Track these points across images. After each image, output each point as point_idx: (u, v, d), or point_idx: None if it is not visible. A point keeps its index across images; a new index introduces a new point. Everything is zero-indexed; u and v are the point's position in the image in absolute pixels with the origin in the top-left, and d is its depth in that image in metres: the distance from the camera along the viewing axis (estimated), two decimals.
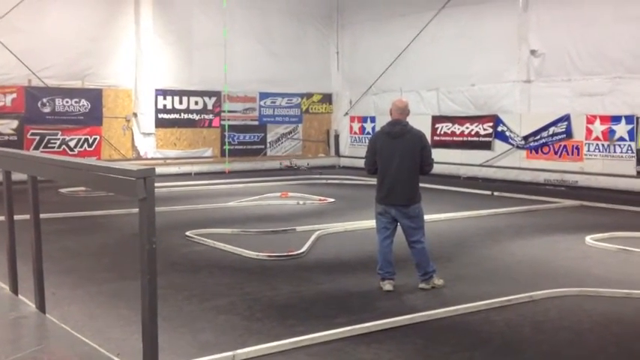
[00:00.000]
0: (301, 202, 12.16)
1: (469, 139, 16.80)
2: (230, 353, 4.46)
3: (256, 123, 19.63)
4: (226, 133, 18.73)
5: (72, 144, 16.62)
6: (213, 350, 4.54)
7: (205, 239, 8.45)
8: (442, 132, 17.40)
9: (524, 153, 15.58)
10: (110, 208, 10.74)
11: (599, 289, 6.13)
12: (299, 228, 9.31)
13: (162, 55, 17.86)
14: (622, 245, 8.04)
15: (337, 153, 20.76)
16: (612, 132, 13.75)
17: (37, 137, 16.10)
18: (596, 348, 4.72)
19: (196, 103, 18.54)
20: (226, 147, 18.61)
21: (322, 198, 12.51)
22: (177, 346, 4.66)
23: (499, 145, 16.10)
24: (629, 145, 13.48)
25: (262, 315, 5.46)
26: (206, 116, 18.71)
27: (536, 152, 15.31)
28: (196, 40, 18.28)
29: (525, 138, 15.48)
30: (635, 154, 13.39)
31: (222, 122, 18.77)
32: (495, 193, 13.34)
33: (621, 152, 13.64)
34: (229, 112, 18.84)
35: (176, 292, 6.08)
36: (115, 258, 7.64)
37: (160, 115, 18.00)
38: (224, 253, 7.81)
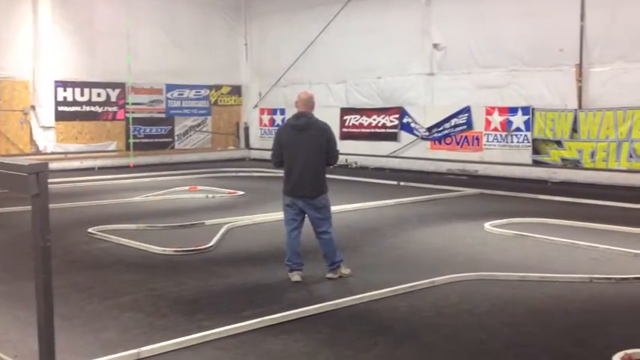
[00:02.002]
0: (210, 196, 12.04)
1: (376, 130, 17.14)
2: (134, 351, 4.37)
3: (163, 115, 19.24)
4: (131, 126, 18.25)
5: None
6: (116, 349, 4.43)
7: (109, 235, 8.22)
8: (350, 124, 17.66)
9: (428, 144, 16.07)
10: (5, 206, 10.24)
11: (496, 273, 6.42)
12: (207, 222, 9.22)
13: (61, 45, 17.18)
14: (518, 231, 8.44)
15: (247, 145, 20.67)
16: (509, 123, 14.41)
17: None
18: (492, 330, 4.94)
19: (99, 95, 17.95)
20: (131, 140, 18.14)
21: (231, 191, 12.44)
22: (77, 346, 4.52)
23: (405, 137, 16.53)
24: (526, 135, 14.17)
25: (168, 311, 5.39)
26: (110, 108, 18.16)
27: (440, 143, 15.83)
28: (98, 30, 17.69)
29: (429, 129, 15.96)
30: (530, 144, 14.08)
31: (127, 115, 18.27)
32: (401, 183, 13.68)
33: (518, 142, 14.32)
34: (134, 104, 18.37)
35: (77, 291, 5.90)
36: (9, 257, 7.29)
37: (60, 108, 17.32)
38: (129, 250, 7.63)
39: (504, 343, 4.68)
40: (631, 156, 12.62)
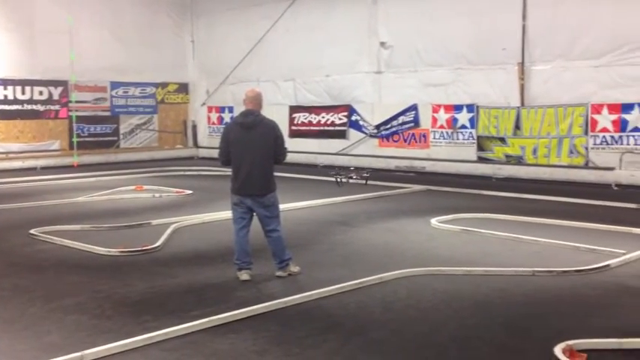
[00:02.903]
0: (157, 195, 11.87)
1: (325, 128, 17.20)
2: (78, 354, 4.28)
3: (108, 114, 18.87)
4: (75, 125, 17.84)
5: None
6: (59, 352, 4.32)
7: (52, 237, 8.01)
8: (299, 122, 17.67)
9: (376, 141, 16.21)
10: None
11: (442, 268, 6.53)
12: (154, 222, 9.09)
13: (2, 43, 16.72)
14: (464, 226, 8.60)
15: (195, 144, 20.45)
16: (455, 120, 14.67)
17: None
18: (438, 324, 5.02)
19: (41, 93, 17.50)
20: (75, 139, 17.72)
21: (179, 190, 12.29)
22: (19, 350, 4.40)
23: (353, 134, 16.64)
24: (471, 132, 14.45)
25: (113, 313, 5.28)
26: (52, 107, 17.71)
27: (388, 140, 16.00)
28: (39, 27, 17.25)
29: (377, 127, 16.11)
30: (475, 141, 14.37)
31: (70, 113, 17.86)
32: (350, 181, 13.72)
33: (463, 139, 14.59)
34: (78, 102, 17.96)
35: (18, 294, 5.74)
36: None
37: (1, 107, 16.85)
38: (73, 251, 7.46)
39: (450, 336, 4.76)
40: (571, 152, 13.02)
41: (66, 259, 7.11)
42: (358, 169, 13.88)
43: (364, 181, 13.05)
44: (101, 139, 18.69)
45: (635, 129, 12.23)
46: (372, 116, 16.27)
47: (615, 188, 12.20)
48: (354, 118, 16.61)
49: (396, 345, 4.61)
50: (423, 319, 5.13)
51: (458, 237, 8.20)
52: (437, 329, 4.90)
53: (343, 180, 13.21)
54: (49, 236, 8.06)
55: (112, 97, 18.88)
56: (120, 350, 4.42)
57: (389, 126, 15.90)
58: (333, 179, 13.24)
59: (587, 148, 12.83)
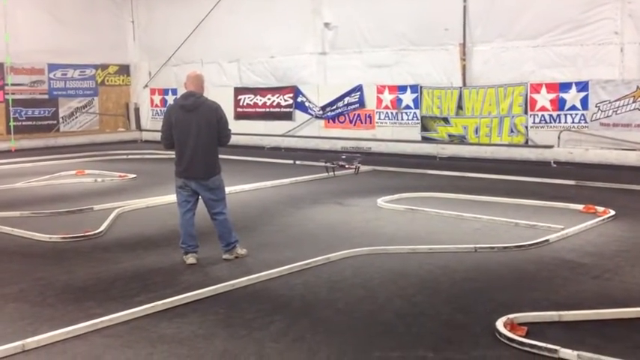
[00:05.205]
0: (99, 180, 11.63)
1: (271, 110, 17.10)
2: (19, 343, 4.18)
3: (46, 97, 18.31)
4: (12, 109, 17.25)
5: None
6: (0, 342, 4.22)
7: None
8: (245, 103, 17.51)
9: (322, 122, 16.22)
10: None
11: (388, 247, 6.62)
12: (97, 207, 8.91)
13: None
14: (409, 205, 8.73)
15: (138, 127, 20.06)
16: (399, 101, 14.80)
17: None
18: (384, 301, 5.10)
19: None
20: (12, 123, 17.16)
21: (122, 174, 12.06)
22: None
23: (299, 116, 16.60)
24: (415, 113, 14.61)
25: (55, 300, 5.17)
26: None
27: (334, 121, 16.03)
28: None
29: (323, 108, 16.12)
30: (419, 121, 14.55)
31: (7, 96, 17.25)
32: (297, 162, 13.74)
33: (408, 119, 14.74)
34: (14, 85, 17.35)
35: None
36: None
37: None
38: (12, 238, 7.26)
39: (395, 313, 4.84)
40: (512, 131, 13.33)
41: (5, 247, 6.91)
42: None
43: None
44: (40, 122, 18.15)
45: (573, 107, 12.59)
46: (318, 97, 16.26)
47: (554, 165, 12.57)
48: (299, 99, 16.57)
49: (343, 324, 4.66)
50: (370, 297, 5.20)
51: (403, 216, 8.32)
52: (383, 307, 4.97)
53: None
54: None
55: (49, 79, 18.31)
56: (62, 338, 4.34)
57: (334, 107, 15.93)
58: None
59: (526, 127, 13.15)
